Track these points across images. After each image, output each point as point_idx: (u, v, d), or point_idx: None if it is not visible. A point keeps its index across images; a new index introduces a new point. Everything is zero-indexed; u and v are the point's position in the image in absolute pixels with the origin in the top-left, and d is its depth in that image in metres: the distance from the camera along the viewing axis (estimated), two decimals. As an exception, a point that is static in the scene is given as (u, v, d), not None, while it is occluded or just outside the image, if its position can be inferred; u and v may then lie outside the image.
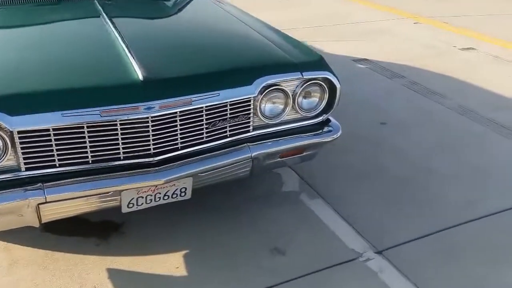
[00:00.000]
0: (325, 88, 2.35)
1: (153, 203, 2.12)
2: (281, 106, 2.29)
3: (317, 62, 2.36)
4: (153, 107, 1.90)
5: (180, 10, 2.96)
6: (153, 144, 1.97)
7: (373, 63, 5.07)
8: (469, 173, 3.07)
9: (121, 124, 1.88)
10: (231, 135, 2.20)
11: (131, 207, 2.08)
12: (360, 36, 6.13)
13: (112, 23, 2.43)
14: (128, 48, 2.12)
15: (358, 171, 3.06)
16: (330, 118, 2.52)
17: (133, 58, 2.04)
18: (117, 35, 2.27)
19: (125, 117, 1.86)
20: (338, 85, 2.35)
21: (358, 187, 2.89)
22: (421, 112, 3.92)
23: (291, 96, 2.26)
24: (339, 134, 2.46)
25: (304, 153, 2.47)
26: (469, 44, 5.85)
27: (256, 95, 2.14)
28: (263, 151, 2.25)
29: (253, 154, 2.22)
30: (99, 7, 2.67)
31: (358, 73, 4.80)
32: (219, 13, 2.98)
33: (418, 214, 2.68)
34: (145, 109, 1.88)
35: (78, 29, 2.58)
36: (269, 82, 2.17)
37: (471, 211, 2.71)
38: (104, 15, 2.55)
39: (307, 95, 2.35)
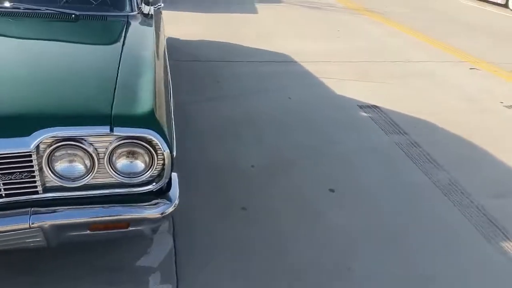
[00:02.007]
0: (150, 151, 1.79)
1: None
2: (82, 167, 1.78)
3: (140, 116, 1.80)
4: None
5: (64, 37, 2.55)
6: None
7: (381, 113, 4.26)
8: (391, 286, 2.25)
9: None
10: (8, 195, 1.74)
11: None
12: (391, 78, 5.29)
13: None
14: None
15: (256, 254, 2.40)
16: (174, 185, 1.95)
17: None
18: None
19: None
20: (165, 150, 1.78)
21: (236, 278, 2.24)
22: (394, 184, 3.10)
23: (94, 155, 1.75)
24: (169, 210, 1.87)
25: (130, 228, 1.92)
26: (522, 101, 4.75)
27: (32, 149, 1.66)
28: (48, 221, 1.75)
29: (33, 223, 1.74)
30: None
31: (354, 122, 4.05)
32: (103, 41, 2.56)
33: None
34: None
35: None
36: (54, 134, 1.68)
37: None
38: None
39: (128, 157, 1.82)
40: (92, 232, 1.88)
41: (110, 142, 1.76)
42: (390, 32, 7.82)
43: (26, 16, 2.70)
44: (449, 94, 4.91)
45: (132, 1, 3.07)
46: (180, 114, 3.97)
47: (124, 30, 2.70)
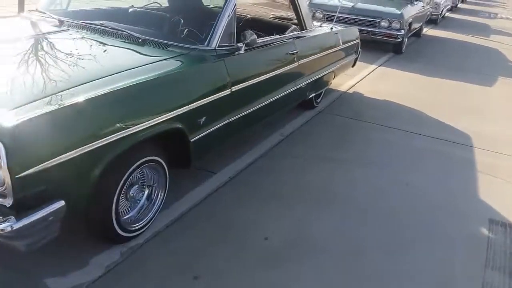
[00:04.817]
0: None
1: None
2: None
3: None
4: None
5: (102, 54, 2.72)
6: None
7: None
8: None
9: None
10: None
11: None
12: None
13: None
14: None
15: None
16: (36, 211, 1.85)
17: None
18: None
19: None
20: (3, 163, 1.73)
21: None
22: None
23: None
24: (14, 227, 1.80)
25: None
26: None
27: None
28: None
29: None
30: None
31: (458, 237, 2.98)
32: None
33: None
34: None
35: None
36: None
37: None
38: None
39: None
40: None
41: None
42: None
43: (106, 34, 3.00)
44: None
45: (212, 37, 3.02)
46: (271, 164, 3.72)
47: (153, 61, 2.67)
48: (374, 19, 8.39)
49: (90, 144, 2.01)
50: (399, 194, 3.48)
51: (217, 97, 2.89)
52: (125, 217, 2.51)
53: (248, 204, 3.08)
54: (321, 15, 8.61)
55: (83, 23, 3.12)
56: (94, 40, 2.93)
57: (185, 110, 2.60)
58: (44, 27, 3.15)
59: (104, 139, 2.08)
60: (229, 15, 3.14)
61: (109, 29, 3.03)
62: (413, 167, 3.98)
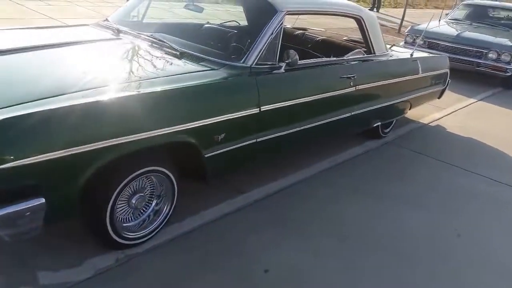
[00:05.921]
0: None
1: None
2: None
3: None
4: None
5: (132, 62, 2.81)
6: None
7: None
8: None
9: None
10: None
11: None
12: None
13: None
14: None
15: None
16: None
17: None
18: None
19: None
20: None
21: None
22: None
23: None
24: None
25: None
26: None
27: None
28: None
29: None
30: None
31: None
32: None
33: None
34: None
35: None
36: None
37: None
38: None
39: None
40: None
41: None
42: None
43: (153, 44, 3.10)
44: None
45: (250, 54, 2.96)
46: (307, 192, 3.50)
47: (177, 73, 2.70)
48: (481, 50, 7.65)
49: (73, 148, 2.03)
50: (443, 245, 3.06)
51: (240, 115, 2.79)
52: (125, 225, 2.54)
53: (263, 230, 2.93)
54: (422, 42, 8.10)
55: (137, 33, 3.27)
56: (139, 49, 3.09)
57: (197, 125, 2.54)
58: (101, 34, 3.36)
59: (90, 145, 2.08)
60: (272, 33, 3.06)
61: (156, 40, 3.14)
62: (475, 216, 3.49)
